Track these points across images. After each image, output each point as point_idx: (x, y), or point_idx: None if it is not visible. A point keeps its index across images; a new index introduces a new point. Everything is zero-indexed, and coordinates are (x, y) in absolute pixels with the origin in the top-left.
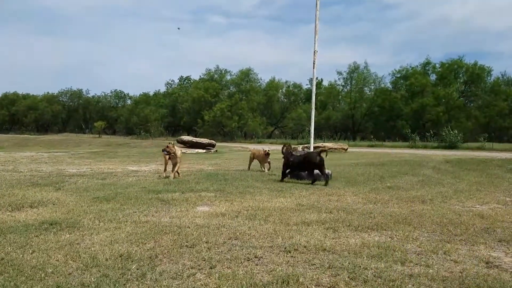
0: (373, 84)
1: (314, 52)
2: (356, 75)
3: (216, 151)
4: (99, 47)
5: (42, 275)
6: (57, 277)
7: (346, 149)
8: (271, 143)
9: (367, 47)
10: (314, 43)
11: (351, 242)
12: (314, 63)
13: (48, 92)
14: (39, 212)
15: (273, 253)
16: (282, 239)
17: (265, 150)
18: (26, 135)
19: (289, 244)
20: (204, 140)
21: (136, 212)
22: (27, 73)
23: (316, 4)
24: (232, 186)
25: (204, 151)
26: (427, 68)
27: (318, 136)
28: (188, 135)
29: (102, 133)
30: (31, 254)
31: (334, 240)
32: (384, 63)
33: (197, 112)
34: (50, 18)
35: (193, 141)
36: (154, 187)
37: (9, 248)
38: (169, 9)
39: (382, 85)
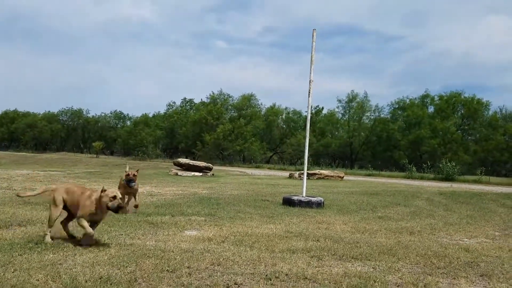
0: (371, 113)
1: (310, 81)
2: (355, 104)
3: (213, 174)
4: (102, 68)
5: None
6: None
7: (342, 177)
8: (269, 168)
9: (368, 77)
10: (310, 73)
11: (334, 271)
12: (309, 92)
13: (48, 111)
14: (26, 231)
15: (253, 280)
16: (265, 266)
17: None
18: (24, 153)
19: (271, 272)
20: (201, 163)
21: (122, 234)
22: (28, 91)
23: (313, 35)
24: (224, 210)
25: (201, 174)
26: (425, 100)
27: (316, 163)
28: (186, 157)
29: (100, 153)
30: (12, 272)
31: (317, 268)
32: (385, 94)
33: (197, 134)
34: (52, 38)
35: (190, 164)
36: (145, 209)
37: None
38: (173, 33)
39: (381, 115)
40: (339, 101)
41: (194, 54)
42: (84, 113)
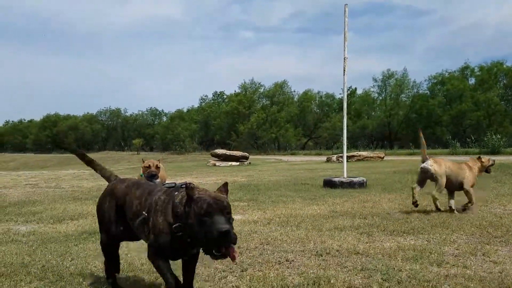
0: (409, 90)
1: (344, 59)
2: (391, 81)
3: (250, 163)
4: (133, 66)
5: (80, 280)
6: (94, 282)
7: (383, 157)
8: (305, 154)
9: (401, 55)
10: (344, 50)
11: (386, 246)
12: (344, 70)
13: (87, 112)
14: (79, 224)
15: (304, 257)
16: (314, 244)
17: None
18: (68, 154)
19: (321, 248)
20: (238, 153)
21: None
22: (66, 94)
23: (345, 10)
24: (265, 195)
25: (238, 163)
26: (465, 72)
27: (353, 146)
28: (222, 148)
29: (140, 150)
30: (70, 261)
31: (368, 244)
32: (419, 70)
33: (231, 126)
34: (84, 40)
35: (227, 154)
36: None
37: (49, 256)
38: (199, 27)
39: (420, 91)
40: (375, 80)
41: (221, 47)
42: (122, 112)
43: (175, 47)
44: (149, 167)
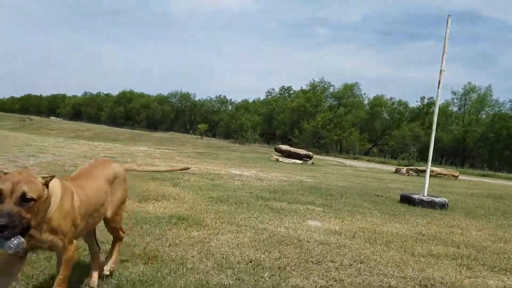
0: (490, 108)
1: (441, 71)
2: (474, 96)
3: (313, 163)
4: (206, 54)
5: (184, 270)
6: (197, 274)
7: (457, 176)
8: (368, 160)
9: (484, 68)
10: (442, 62)
11: (491, 283)
12: (439, 83)
13: (159, 93)
14: (164, 206)
15: (407, 285)
16: (413, 270)
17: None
18: (138, 131)
19: (422, 277)
20: (302, 151)
21: (251, 217)
22: (140, 75)
23: (447, 21)
24: (339, 202)
25: (301, 162)
26: None
27: (423, 159)
28: (282, 143)
29: (204, 135)
30: (168, 247)
31: (471, 279)
32: (505, 88)
33: (295, 122)
34: (162, 24)
35: (291, 151)
36: (260, 193)
37: (148, 239)
38: (273, 22)
39: (502, 110)
40: (454, 93)
41: (293, 42)
42: (192, 96)
43: (249, 38)
44: None
